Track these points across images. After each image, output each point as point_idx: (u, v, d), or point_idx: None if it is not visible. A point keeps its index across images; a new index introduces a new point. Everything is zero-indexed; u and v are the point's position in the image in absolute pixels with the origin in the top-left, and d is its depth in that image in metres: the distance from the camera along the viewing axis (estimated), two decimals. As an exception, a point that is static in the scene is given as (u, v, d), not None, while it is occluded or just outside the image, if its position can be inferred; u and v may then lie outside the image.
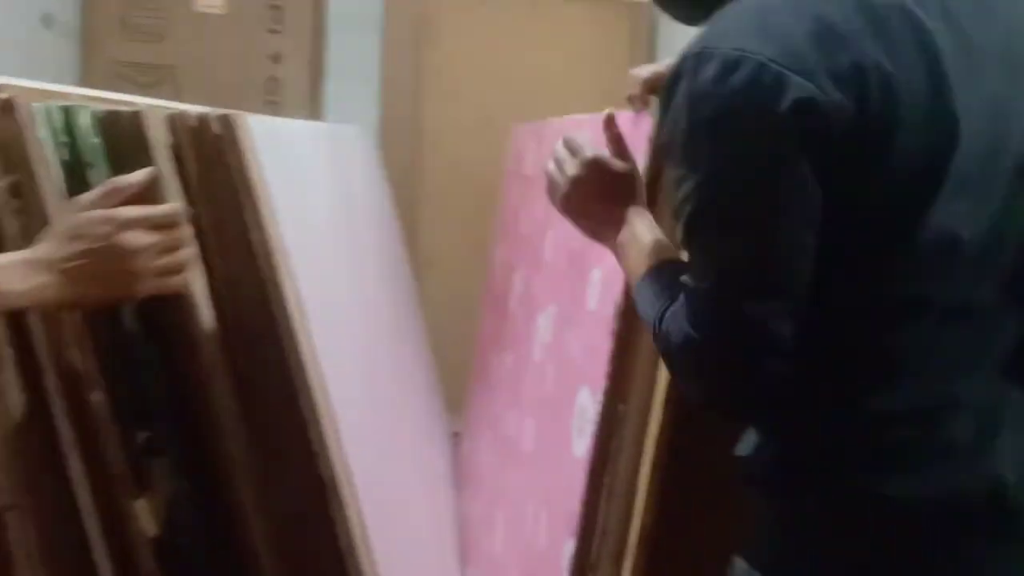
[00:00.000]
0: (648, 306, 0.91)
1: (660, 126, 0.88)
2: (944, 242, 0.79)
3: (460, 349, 2.86)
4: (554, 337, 1.70)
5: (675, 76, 0.81)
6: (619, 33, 3.21)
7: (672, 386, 1.15)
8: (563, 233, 1.72)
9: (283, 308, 1.10)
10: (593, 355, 1.35)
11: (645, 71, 1.33)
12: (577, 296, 1.48)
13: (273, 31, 3.25)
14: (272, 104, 3.30)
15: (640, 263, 0.95)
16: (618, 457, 1.25)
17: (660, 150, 0.90)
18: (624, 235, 0.98)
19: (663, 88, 0.85)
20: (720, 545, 1.21)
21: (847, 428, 0.83)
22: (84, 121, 1.08)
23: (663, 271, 0.92)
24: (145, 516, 1.14)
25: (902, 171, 0.77)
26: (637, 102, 1.31)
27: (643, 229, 0.98)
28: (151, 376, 1.14)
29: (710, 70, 0.76)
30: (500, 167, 3.02)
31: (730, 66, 0.75)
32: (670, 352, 0.84)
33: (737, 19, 0.80)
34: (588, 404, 1.33)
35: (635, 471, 1.21)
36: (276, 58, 3.27)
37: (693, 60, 0.78)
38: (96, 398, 1.08)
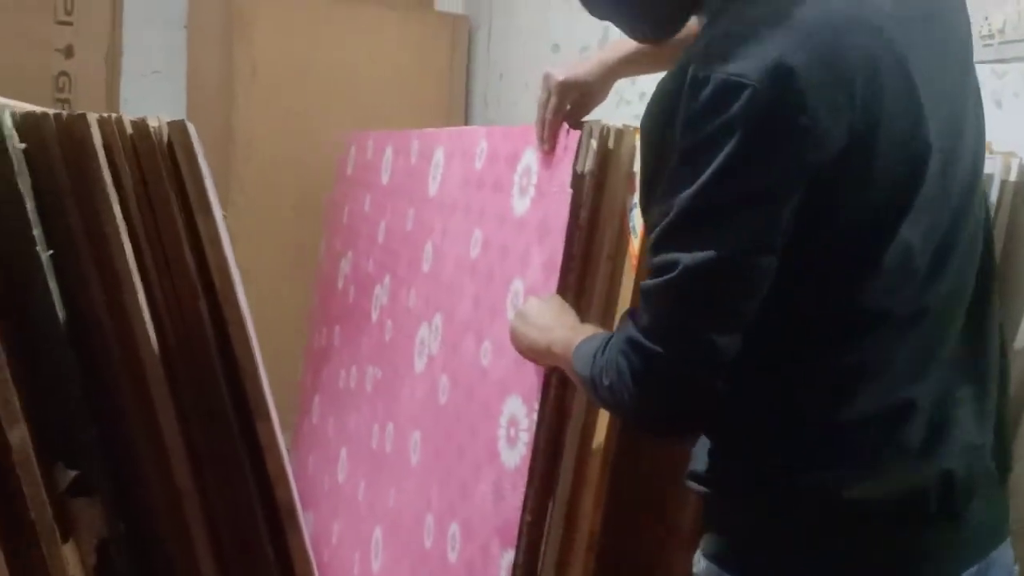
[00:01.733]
0: (585, 356, 0.97)
1: (649, 136, 0.89)
2: (903, 256, 0.84)
3: (281, 363, 2.75)
4: (445, 348, 1.69)
5: (670, 93, 0.82)
6: (438, 45, 3.23)
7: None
8: (453, 242, 1.72)
9: (240, 328, 1.03)
10: (521, 364, 1.36)
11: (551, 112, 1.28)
12: (493, 307, 1.49)
13: (64, 22, 2.95)
14: (62, 103, 3.00)
15: (574, 339, 1.04)
16: (558, 465, 1.28)
17: (645, 160, 0.93)
18: (556, 337, 1.12)
19: (655, 101, 0.86)
20: (662, 546, 1.28)
21: (809, 434, 0.87)
22: (7, 122, 0.95)
23: (596, 334, 1.01)
24: (72, 563, 1.03)
25: (878, 197, 0.82)
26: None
27: (571, 328, 1.12)
28: (82, 408, 1.03)
29: (707, 93, 0.77)
30: (320, 174, 2.95)
31: (729, 91, 0.76)
32: (612, 371, 0.88)
33: (736, 40, 0.79)
34: (520, 413, 1.35)
35: (581, 479, 1.24)
36: (68, 52, 2.97)
37: (691, 81, 0.79)
38: (17, 434, 0.96)
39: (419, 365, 1.79)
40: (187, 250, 1.02)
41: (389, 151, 2.23)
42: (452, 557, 1.53)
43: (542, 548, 1.26)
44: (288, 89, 3.10)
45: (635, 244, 1.22)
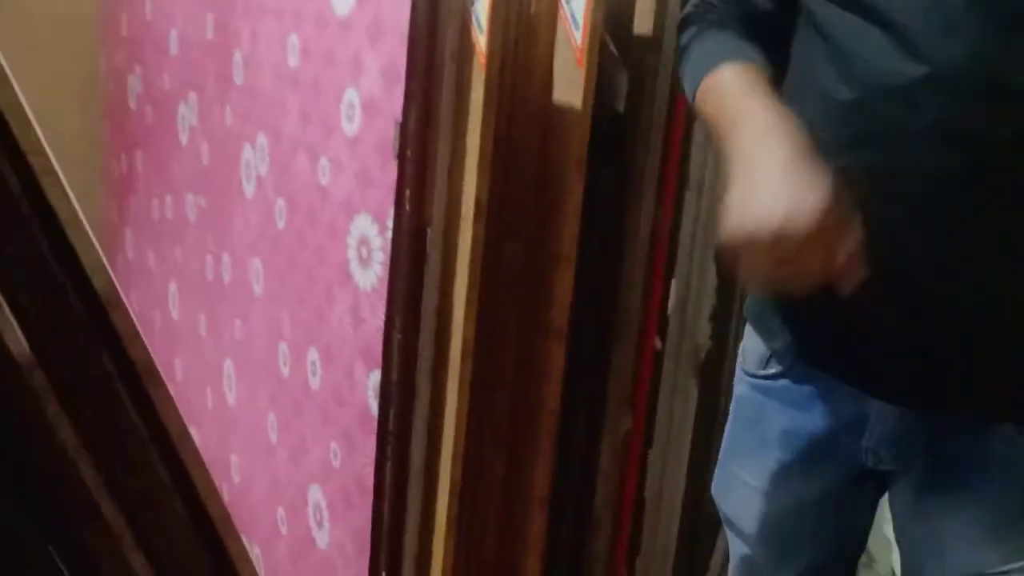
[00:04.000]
0: None
1: None
2: None
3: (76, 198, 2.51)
4: (275, 169, 1.58)
5: None
6: None
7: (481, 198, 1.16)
8: (267, 51, 1.56)
9: (52, 177, 0.89)
10: (366, 181, 1.29)
11: None
12: (326, 121, 1.38)
13: None
14: None
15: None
16: (421, 278, 1.25)
17: None
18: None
19: None
20: (533, 338, 1.31)
21: None
22: None
23: None
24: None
25: None
26: None
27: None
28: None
29: None
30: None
31: None
32: None
33: None
34: (371, 233, 1.29)
35: (447, 289, 1.23)
36: None
37: None
38: None
39: (249, 189, 1.67)
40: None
41: (168, -53, 1.96)
42: (314, 383, 1.50)
43: (418, 363, 1.25)
44: None
45: (482, 41, 1.14)
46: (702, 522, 1.53)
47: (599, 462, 1.41)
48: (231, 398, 1.85)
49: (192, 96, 1.90)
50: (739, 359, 0.99)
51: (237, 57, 1.68)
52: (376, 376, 1.32)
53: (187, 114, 1.93)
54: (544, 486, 1.35)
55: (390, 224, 1.25)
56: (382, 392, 1.31)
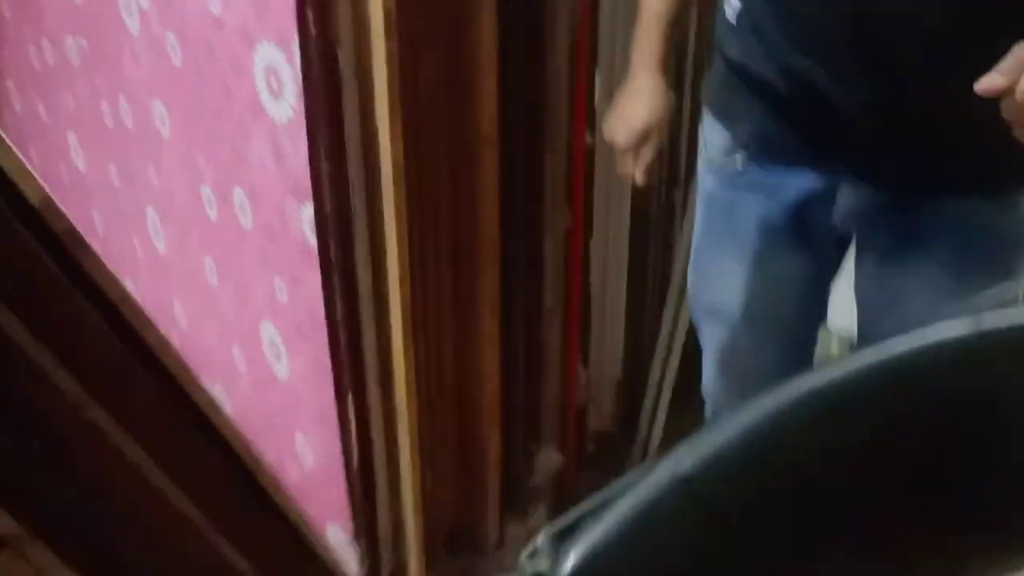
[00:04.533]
0: None
1: None
2: None
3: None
4: (157, 1, 1.45)
5: None
6: None
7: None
8: None
9: None
10: (263, 6, 1.20)
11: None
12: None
13: None
14: None
15: None
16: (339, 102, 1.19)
17: None
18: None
19: None
20: (466, 150, 1.28)
21: None
22: None
23: None
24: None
25: None
26: None
27: None
28: None
29: None
30: None
31: None
32: None
33: None
34: (278, 61, 1.22)
35: (368, 112, 1.18)
36: None
37: None
38: None
39: (132, 25, 1.54)
40: None
41: None
42: (246, 223, 1.46)
43: (350, 191, 1.22)
44: None
45: None
46: (647, 304, 1.59)
47: (543, 261, 1.43)
48: (161, 246, 1.81)
49: (46, -76, 1.71)
50: (699, 152, 0.98)
51: None
52: (309, 209, 1.28)
53: (45, -55, 1.74)
54: (492, 291, 1.37)
55: (296, 50, 1.17)
56: (318, 225, 1.28)
